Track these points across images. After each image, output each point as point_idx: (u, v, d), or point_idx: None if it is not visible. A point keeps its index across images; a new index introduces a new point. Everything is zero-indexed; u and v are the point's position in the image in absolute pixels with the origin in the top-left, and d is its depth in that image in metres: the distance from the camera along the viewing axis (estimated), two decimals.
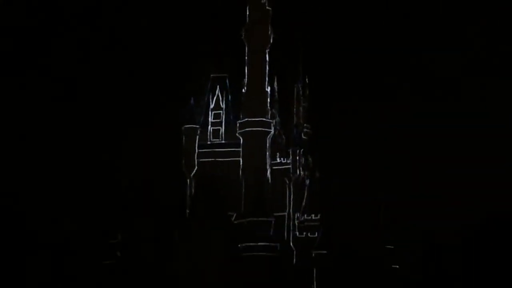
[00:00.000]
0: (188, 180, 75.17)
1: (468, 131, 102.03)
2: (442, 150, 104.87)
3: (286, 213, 74.75)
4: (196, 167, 74.96)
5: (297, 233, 74.35)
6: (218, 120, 76.62)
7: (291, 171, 75.70)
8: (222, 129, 76.21)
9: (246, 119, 73.36)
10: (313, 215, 74.85)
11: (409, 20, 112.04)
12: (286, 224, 74.37)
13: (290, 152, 76.08)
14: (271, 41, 75.05)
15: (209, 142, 76.04)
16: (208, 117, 77.02)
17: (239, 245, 68.59)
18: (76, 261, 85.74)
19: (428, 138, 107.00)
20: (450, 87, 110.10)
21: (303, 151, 77.43)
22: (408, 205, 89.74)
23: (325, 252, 70.48)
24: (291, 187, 75.76)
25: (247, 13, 74.86)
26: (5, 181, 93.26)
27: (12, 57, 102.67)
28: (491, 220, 78.72)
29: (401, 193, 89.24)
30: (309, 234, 73.60)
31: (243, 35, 74.82)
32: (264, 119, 73.38)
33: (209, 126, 76.56)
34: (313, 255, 70.60)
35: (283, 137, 79.53)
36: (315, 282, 69.67)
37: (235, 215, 72.37)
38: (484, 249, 76.58)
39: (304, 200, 76.65)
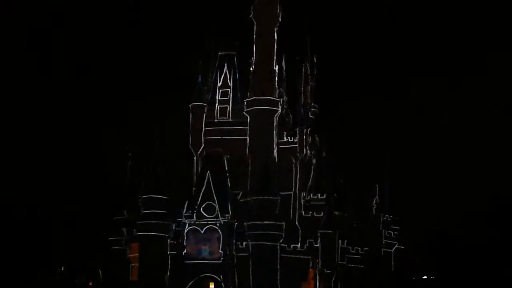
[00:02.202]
0: (195, 158, 75.25)
1: (468, 129, 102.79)
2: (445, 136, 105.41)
3: (292, 192, 74.80)
4: (203, 145, 75.00)
5: (303, 212, 74.39)
6: (226, 98, 76.59)
7: (298, 150, 75.71)
8: (230, 107, 76.17)
9: (254, 97, 73.38)
10: (319, 195, 74.84)
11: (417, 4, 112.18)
12: (292, 203, 74.42)
13: (297, 131, 76.05)
14: (280, 20, 74.99)
15: (216, 120, 76.04)
16: (216, 95, 76.98)
17: (244, 224, 68.63)
18: (83, 238, 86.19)
19: (431, 126, 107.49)
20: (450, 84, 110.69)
21: (310, 130, 77.36)
22: (412, 187, 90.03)
23: (330, 231, 70.53)
24: (298, 166, 75.78)
25: None
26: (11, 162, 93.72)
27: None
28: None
29: (404, 172, 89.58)
30: (314, 214, 73.63)
31: (252, 14, 74.74)
32: (271, 98, 73.40)
33: (217, 104, 76.54)
34: (319, 234, 70.66)
35: (291, 116, 79.54)
36: (319, 261, 69.73)
37: (241, 193, 72.50)
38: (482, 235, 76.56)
39: (311, 180, 76.64)
